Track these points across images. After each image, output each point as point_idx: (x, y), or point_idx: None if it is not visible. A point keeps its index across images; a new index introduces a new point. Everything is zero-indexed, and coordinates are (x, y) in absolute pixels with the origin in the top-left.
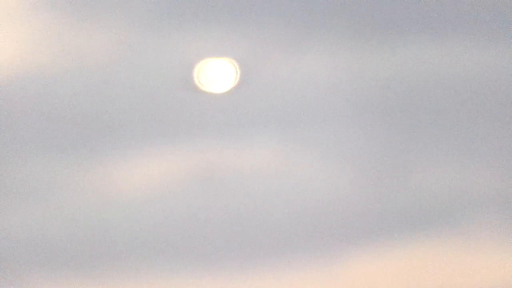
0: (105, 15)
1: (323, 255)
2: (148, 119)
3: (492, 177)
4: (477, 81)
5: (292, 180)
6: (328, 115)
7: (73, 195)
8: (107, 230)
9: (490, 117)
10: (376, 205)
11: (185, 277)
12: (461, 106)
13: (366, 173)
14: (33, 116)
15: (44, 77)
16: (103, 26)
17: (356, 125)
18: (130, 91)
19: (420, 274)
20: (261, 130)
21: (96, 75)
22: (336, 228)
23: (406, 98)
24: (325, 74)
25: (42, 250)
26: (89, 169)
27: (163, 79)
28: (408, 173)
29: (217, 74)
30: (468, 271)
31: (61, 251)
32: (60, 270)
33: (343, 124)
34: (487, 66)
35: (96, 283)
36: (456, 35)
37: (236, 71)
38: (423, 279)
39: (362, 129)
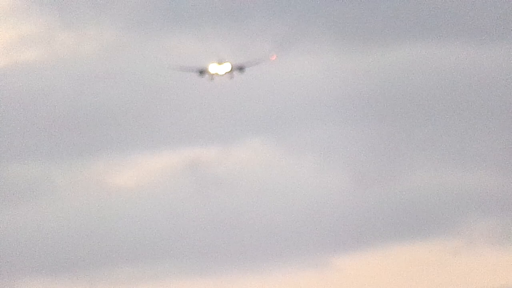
0: (98, 17)
1: (313, 252)
2: (140, 120)
3: (487, 179)
4: (475, 83)
5: (285, 178)
6: (320, 115)
7: (67, 193)
8: (101, 227)
9: (488, 119)
10: (370, 204)
11: (179, 272)
12: (457, 108)
13: (361, 173)
14: (27, 116)
15: (40, 77)
16: (98, 27)
17: (349, 124)
18: (121, 93)
19: (417, 275)
20: (254, 130)
21: (88, 75)
22: (328, 225)
23: (401, 100)
24: (319, 76)
25: (36, 248)
26: (82, 168)
27: (156, 81)
28: (403, 175)
29: (210, 75)
30: (463, 272)
31: (55, 249)
32: (54, 267)
33: (337, 123)
34: (484, 68)
35: (92, 280)
36: (453, 36)
37: (229, 72)
38: (419, 281)
39: (355, 129)
